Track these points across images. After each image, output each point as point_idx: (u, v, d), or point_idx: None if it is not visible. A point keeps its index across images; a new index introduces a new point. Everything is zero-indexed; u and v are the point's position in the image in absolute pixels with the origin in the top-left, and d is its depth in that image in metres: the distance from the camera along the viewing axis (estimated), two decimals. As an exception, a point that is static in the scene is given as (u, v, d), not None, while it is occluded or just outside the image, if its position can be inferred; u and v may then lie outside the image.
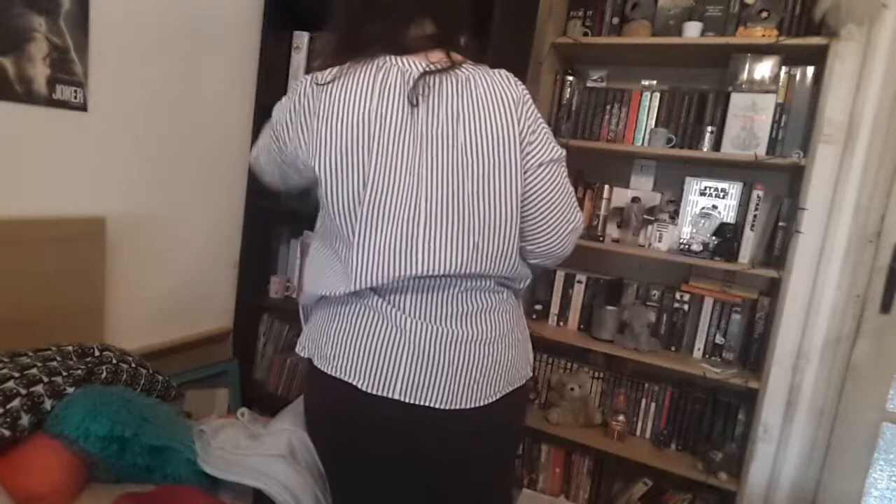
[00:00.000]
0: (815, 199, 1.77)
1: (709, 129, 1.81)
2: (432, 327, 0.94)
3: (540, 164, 0.94)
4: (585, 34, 1.95)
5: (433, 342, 0.94)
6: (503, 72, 0.95)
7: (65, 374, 1.25)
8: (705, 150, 1.81)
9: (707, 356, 1.94)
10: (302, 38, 2.06)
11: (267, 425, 1.51)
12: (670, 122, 1.91)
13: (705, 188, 1.88)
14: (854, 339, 1.83)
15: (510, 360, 1.01)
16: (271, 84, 2.09)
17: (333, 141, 0.90)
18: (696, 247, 1.83)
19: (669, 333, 1.99)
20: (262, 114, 2.10)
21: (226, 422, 1.50)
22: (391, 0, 0.94)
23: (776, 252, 1.79)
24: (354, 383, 0.95)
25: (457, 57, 0.95)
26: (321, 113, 0.90)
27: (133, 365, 1.42)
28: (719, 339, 1.92)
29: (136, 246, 1.76)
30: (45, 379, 1.21)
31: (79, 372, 1.27)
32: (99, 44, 1.54)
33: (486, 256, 0.94)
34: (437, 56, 0.94)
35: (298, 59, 2.07)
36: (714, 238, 1.83)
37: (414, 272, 0.90)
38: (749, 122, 1.75)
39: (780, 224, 1.78)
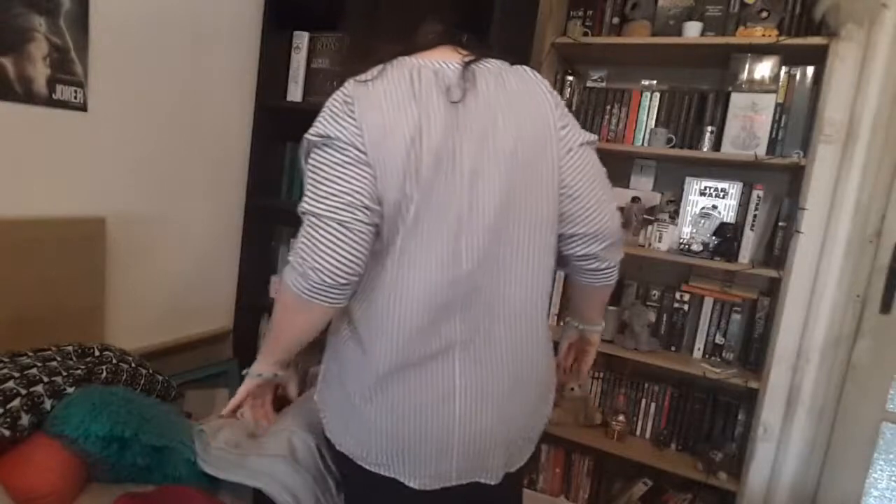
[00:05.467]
0: (815, 199, 1.77)
1: (709, 129, 1.81)
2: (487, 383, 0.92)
3: (580, 145, 0.96)
4: (585, 34, 1.95)
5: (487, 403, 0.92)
6: (525, 67, 0.96)
7: (65, 374, 1.25)
8: (705, 150, 1.81)
9: (707, 356, 1.94)
10: (302, 38, 2.06)
11: (267, 425, 1.51)
12: (670, 122, 1.91)
13: (705, 188, 1.88)
14: (854, 339, 1.83)
15: (541, 412, 1.03)
16: (271, 84, 2.09)
17: (384, 140, 0.83)
18: (696, 247, 1.83)
19: (669, 333, 1.99)
20: (262, 114, 2.10)
21: (226, 422, 1.50)
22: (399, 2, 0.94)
23: (776, 252, 1.79)
24: (405, 482, 0.92)
25: (473, 53, 0.94)
26: (365, 107, 0.83)
27: (133, 365, 1.42)
28: (719, 339, 1.92)
29: (136, 246, 1.76)
30: (45, 379, 1.21)
31: (79, 372, 1.27)
32: (99, 44, 1.54)
33: (530, 248, 0.92)
34: (457, 53, 0.92)
35: (298, 59, 2.07)
36: (714, 238, 1.83)
37: (460, 271, 0.87)
38: (749, 122, 1.75)
39: (780, 224, 1.78)
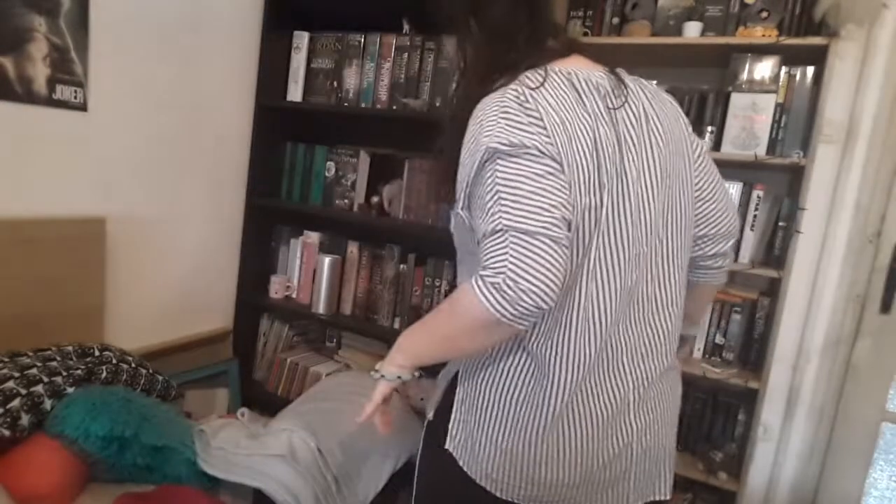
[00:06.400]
0: (815, 199, 1.77)
1: (709, 129, 1.81)
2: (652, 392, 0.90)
3: (705, 150, 1.00)
4: (585, 34, 1.95)
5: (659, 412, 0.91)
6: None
7: (65, 374, 1.25)
8: (705, 150, 1.81)
9: (707, 356, 1.93)
10: (302, 38, 2.06)
11: (267, 425, 1.51)
12: (670, 122, 1.91)
13: (705, 188, 1.88)
14: (854, 339, 1.83)
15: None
16: (271, 84, 2.09)
17: (569, 147, 0.79)
18: (696, 247, 1.83)
19: (669, 333, 1.99)
20: (262, 114, 2.10)
21: (226, 422, 1.51)
22: (538, 7, 0.91)
23: (776, 252, 1.79)
24: None
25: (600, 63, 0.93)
26: (546, 113, 0.79)
27: (133, 365, 1.42)
28: (719, 339, 1.91)
29: (136, 246, 1.76)
30: (45, 379, 1.21)
31: (79, 372, 1.28)
32: (99, 44, 1.54)
33: (678, 250, 0.93)
34: (589, 62, 0.91)
35: (298, 59, 2.07)
36: (714, 238, 1.83)
37: (632, 277, 0.86)
38: (749, 122, 1.74)
39: (780, 224, 1.78)
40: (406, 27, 1.94)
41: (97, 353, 1.39)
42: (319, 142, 2.12)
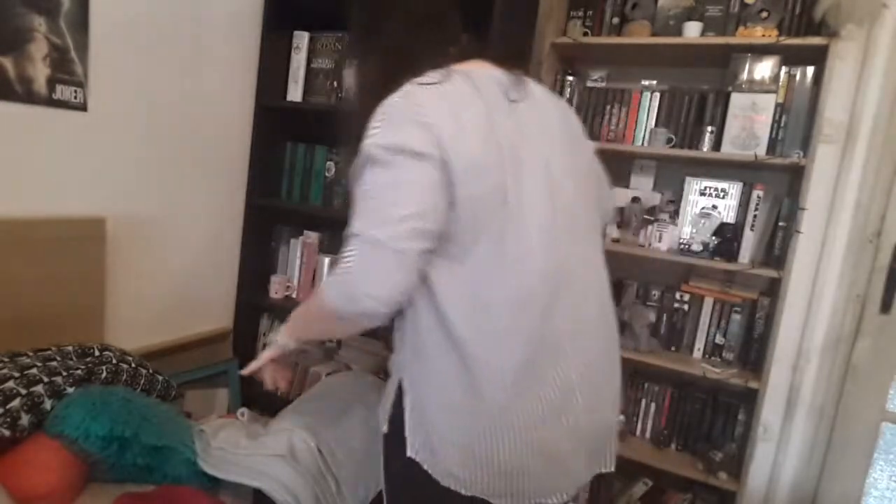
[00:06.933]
0: (815, 199, 1.77)
1: (709, 129, 1.81)
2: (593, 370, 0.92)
3: (594, 149, 1.07)
4: (585, 34, 1.95)
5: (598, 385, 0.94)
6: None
7: (65, 374, 1.25)
8: (705, 150, 1.81)
9: (707, 356, 1.94)
10: (302, 38, 2.06)
11: (267, 425, 1.51)
12: (670, 122, 1.91)
13: (705, 188, 1.88)
14: (854, 339, 1.83)
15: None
16: (271, 84, 2.09)
17: (460, 135, 0.80)
18: (696, 247, 1.83)
19: (669, 333, 1.99)
20: (262, 114, 2.10)
21: (226, 422, 1.51)
22: (440, 15, 0.96)
23: (776, 252, 1.79)
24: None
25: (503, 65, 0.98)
26: (435, 106, 0.80)
27: (133, 365, 1.42)
28: (719, 339, 1.92)
29: (136, 246, 1.76)
30: (45, 379, 1.21)
31: (79, 372, 1.27)
32: (99, 44, 1.54)
33: (592, 232, 1.01)
34: (491, 65, 0.95)
35: (298, 59, 2.07)
36: (714, 238, 1.83)
37: (558, 257, 0.88)
38: (749, 122, 1.74)
39: (780, 224, 1.78)
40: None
41: (97, 353, 1.39)
42: (319, 142, 2.12)
